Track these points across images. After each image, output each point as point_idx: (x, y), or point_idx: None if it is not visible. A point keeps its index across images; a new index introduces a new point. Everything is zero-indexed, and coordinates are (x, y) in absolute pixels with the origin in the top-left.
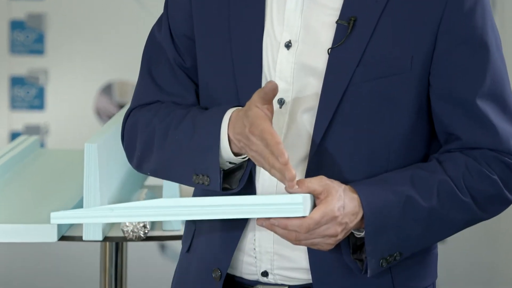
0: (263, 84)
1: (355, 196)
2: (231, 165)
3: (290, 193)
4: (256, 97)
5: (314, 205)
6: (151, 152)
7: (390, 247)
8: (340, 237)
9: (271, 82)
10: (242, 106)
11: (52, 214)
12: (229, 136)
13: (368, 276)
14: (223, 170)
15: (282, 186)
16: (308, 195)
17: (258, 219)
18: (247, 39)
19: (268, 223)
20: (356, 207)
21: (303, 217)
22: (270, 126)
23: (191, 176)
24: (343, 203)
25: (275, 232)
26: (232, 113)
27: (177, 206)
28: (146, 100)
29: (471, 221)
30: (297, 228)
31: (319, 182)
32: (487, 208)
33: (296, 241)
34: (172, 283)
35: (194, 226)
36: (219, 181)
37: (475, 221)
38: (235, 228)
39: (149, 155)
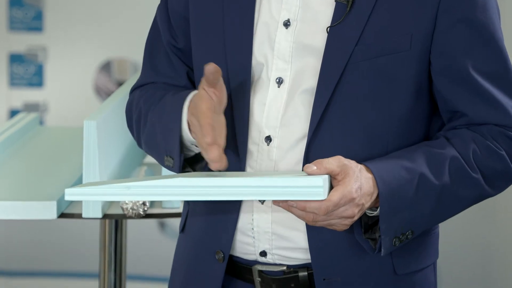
0: (253, 64)
1: (370, 175)
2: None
3: (308, 173)
4: (203, 79)
5: (330, 186)
6: (139, 131)
7: (403, 225)
8: (356, 217)
9: (209, 64)
10: (231, 86)
11: (67, 191)
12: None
13: (381, 255)
14: (196, 153)
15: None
16: (326, 176)
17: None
18: (239, 19)
19: (285, 204)
20: (371, 187)
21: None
22: (208, 107)
23: (163, 157)
24: (360, 184)
25: (292, 213)
26: (193, 95)
27: (194, 186)
28: (144, 81)
29: (479, 198)
30: (316, 210)
31: (337, 162)
32: (495, 184)
33: (313, 222)
34: (173, 264)
35: (188, 206)
36: (179, 163)
37: (483, 198)
38: (231, 209)
39: (139, 134)
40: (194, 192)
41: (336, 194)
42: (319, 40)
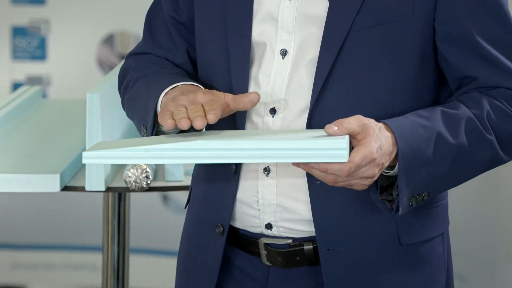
0: (257, 38)
1: (389, 134)
2: None
3: (329, 134)
4: (234, 97)
5: (350, 145)
6: (124, 96)
7: (420, 185)
8: (376, 177)
9: (255, 93)
10: (231, 59)
11: (84, 154)
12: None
13: (399, 214)
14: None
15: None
16: (347, 137)
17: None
18: None
19: (306, 165)
20: (391, 146)
21: None
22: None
23: (140, 127)
24: (380, 144)
25: (312, 174)
26: (186, 83)
27: (214, 149)
28: (141, 50)
29: (493, 161)
30: (338, 172)
31: (357, 122)
32: (507, 147)
33: (333, 183)
34: (180, 239)
35: (192, 180)
36: (151, 134)
37: (496, 162)
38: (230, 182)
39: (123, 99)
40: (215, 155)
41: (358, 155)
42: (321, 9)
